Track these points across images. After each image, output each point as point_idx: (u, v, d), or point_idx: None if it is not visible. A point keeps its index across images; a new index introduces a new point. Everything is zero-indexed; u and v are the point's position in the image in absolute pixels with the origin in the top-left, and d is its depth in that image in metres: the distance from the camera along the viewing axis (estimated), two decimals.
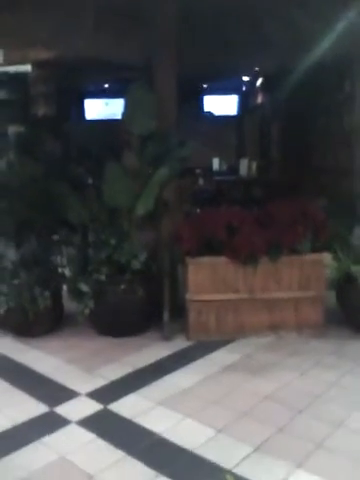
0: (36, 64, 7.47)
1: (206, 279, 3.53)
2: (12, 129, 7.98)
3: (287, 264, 3.53)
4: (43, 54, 6.47)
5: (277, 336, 3.60)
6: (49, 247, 3.87)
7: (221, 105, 10.33)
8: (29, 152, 3.81)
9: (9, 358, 3.42)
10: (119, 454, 2.28)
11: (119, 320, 3.70)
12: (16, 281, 3.70)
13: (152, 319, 3.79)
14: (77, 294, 3.63)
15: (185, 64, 4.10)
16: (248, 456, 2.23)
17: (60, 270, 3.88)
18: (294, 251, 3.54)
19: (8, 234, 3.80)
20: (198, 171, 7.94)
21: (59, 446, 2.37)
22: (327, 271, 3.59)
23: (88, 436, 2.45)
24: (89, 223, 3.80)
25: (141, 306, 3.73)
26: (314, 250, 3.57)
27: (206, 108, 10.13)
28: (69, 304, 3.89)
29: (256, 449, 2.28)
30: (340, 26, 4.33)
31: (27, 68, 7.81)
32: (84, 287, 3.56)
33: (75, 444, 2.39)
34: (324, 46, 4.55)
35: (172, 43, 3.96)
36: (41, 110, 7.58)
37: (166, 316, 3.71)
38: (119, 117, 10.28)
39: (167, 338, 3.64)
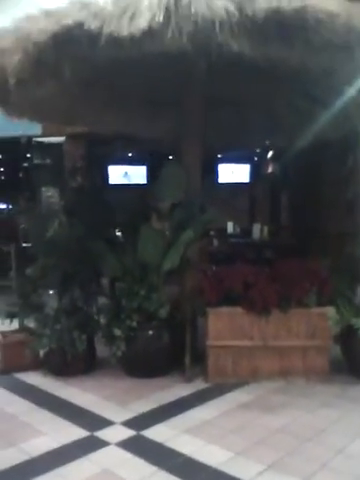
0: (70, 136, 8.40)
1: (224, 327, 4.03)
2: (46, 193, 8.86)
3: (296, 315, 4.03)
4: (78, 128, 7.38)
5: (287, 381, 4.03)
6: (87, 297, 4.43)
7: (234, 173, 11.20)
8: (74, 215, 4.47)
9: (51, 393, 3.89)
10: (153, 468, 2.72)
11: (147, 362, 4.18)
12: (57, 326, 4.25)
13: (175, 363, 4.25)
14: (111, 338, 4.14)
15: (207, 139, 4.86)
16: (263, 472, 2.65)
17: (95, 317, 4.42)
18: (302, 304, 4.05)
19: (53, 285, 4.38)
20: (212, 233, 8.60)
21: (102, 462, 2.81)
22: (331, 323, 4.06)
23: (126, 455, 2.89)
24: (122, 276, 4.38)
25: (166, 350, 4.22)
26: (319, 304, 4.09)
27: (221, 176, 11.00)
28: (100, 349, 4.41)
29: (269, 467, 2.70)
30: (339, 110, 5.05)
31: (61, 139, 8.77)
32: (117, 332, 4.08)
33: (115, 460, 2.83)
34: (326, 127, 5.24)
35: (198, 125, 4.69)
36: (76, 177, 8.42)
37: (187, 360, 4.17)
38: (138, 182, 11.13)
39: (188, 380, 4.09)
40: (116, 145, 9.29)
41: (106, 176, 10.34)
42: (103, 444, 3.02)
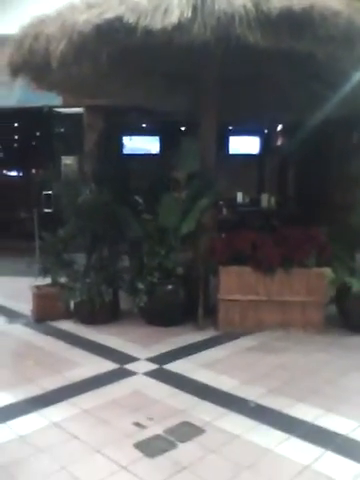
0: (89, 107, 8.82)
1: (234, 283, 4.62)
2: (65, 160, 9.36)
3: (297, 275, 4.59)
4: (97, 101, 7.79)
5: (287, 331, 4.62)
6: (113, 255, 5.01)
7: (245, 145, 11.61)
8: (102, 183, 5.00)
9: (83, 337, 4.52)
10: (175, 390, 3.35)
11: (165, 313, 4.79)
12: (87, 280, 4.85)
13: (190, 314, 4.85)
14: (134, 291, 4.75)
15: (221, 114, 5.32)
16: (263, 395, 3.27)
17: (120, 273, 5.01)
18: (302, 265, 4.61)
19: (83, 245, 4.96)
20: (221, 203, 9.11)
21: (131, 385, 3.44)
22: (327, 282, 4.62)
23: (151, 381, 3.52)
24: (144, 238, 4.95)
25: (182, 303, 4.83)
26: (318, 265, 4.64)
27: (232, 147, 11.41)
28: (123, 302, 5.03)
29: (269, 391, 3.32)
30: (345, 91, 5.46)
31: (80, 109, 9.20)
32: (140, 285, 4.68)
33: (142, 384, 3.46)
34: (332, 105, 5.66)
35: (214, 102, 5.15)
36: (91, 145, 8.87)
37: (200, 312, 4.78)
38: (151, 152, 11.49)
39: (201, 328, 4.70)
40: (131, 116, 9.70)
41: (121, 145, 10.81)
42: (131, 373, 3.65)
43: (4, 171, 14.74)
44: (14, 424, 2.88)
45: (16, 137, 13.25)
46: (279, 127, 9.77)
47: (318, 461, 2.50)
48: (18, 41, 4.13)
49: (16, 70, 4.46)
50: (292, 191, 8.73)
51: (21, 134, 12.86)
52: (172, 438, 2.70)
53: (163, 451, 2.57)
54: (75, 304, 4.95)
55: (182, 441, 2.67)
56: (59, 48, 3.53)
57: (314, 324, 4.66)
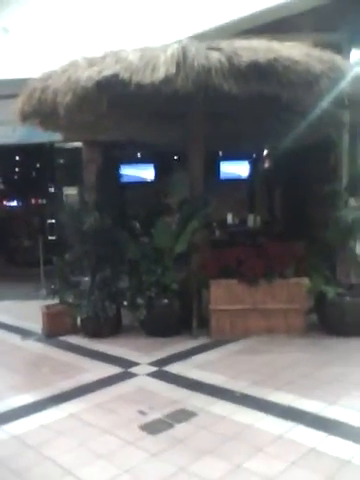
0: (87, 142, 9.53)
1: (223, 295, 5.19)
2: (67, 191, 10.02)
3: (278, 285, 5.18)
4: (95, 136, 8.48)
5: (271, 336, 5.17)
6: (115, 275, 5.59)
7: (235, 170, 12.32)
8: (103, 211, 5.62)
9: (90, 348, 5.06)
10: (172, 385, 3.90)
11: (162, 325, 5.35)
12: (92, 297, 5.43)
13: (185, 325, 5.40)
14: (134, 306, 5.32)
15: (209, 144, 5.97)
16: (248, 386, 3.81)
17: (122, 290, 5.58)
18: (283, 276, 5.20)
19: (88, 266, 5.56)
20: (214, 224, 9.75)
21: (135, 384, 4.00)
22: (305, 290, 5.20)
23: (152, 379, 4.07)
24: (142, 258, 5.54)
25: (177, 315, 5.39)
26: (297, 276, 5.23)
27: (223, 172, 12.11)
28: (124, 317, 5.59)
29: (253, 383, 3.87)
30: (318, 118, 6.11)
31: (79, 144, 9.91)
32: (140, 300, 5.25)
33: (145, 382, 4.01)
34: (306, 134, 6.32)
35: (199, 135, 5.82)
36: (90, 176, 9.55)
37: (194, 322, 5.34)
38: (146, 179, 12.13)
39: (195, 337, 5.24)
40: (127, 148, 10.41)
41: (118, 174, 11.50)
42: (134, 375, 4.21)
43: (7, 201, 15.40)
44: (37, 417, 3.43)
45: (19, 170, 13.98)
46: (265, 152, 10.47)
47: (290, 431, 3.06)
48: (28, 93, 4.81)
49: (25, 116, 5.14)
50: (278, 210, 9.37)
51: (24, 168, 13.57)
52: (170, 421, 3.25)
53: (163, 430, 3.12)
54: (82, 320, 5.52)
55: (178, 422, 3.22)
56: (66, 100, 4.19)
57: (296, 329, 5.22)
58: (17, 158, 13.27)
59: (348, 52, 6.79)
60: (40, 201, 15.40)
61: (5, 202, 15.68)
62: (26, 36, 8.33)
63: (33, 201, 15.67)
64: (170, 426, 3.17)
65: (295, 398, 3.56)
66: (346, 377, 3.99)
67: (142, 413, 3.38)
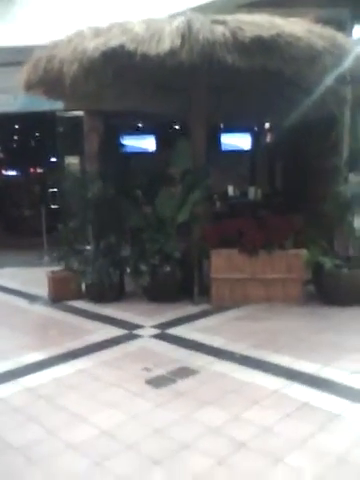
0: (89, 111, 9.55)
1: (223, 264, 5.39)
2: (68, 160, 10.09)
3: (277, 255, 5.36)
4: (98, 106, 8.52)
5: (270, 304, 5.39)
6: (118, 242, 5.77)
7: (237, 142, 12.38)
8: (106, 180, 5.76)
9: (95, 312, 5.28)
10: (175, 347, 4.12)
11: (165, 291, 5.56)
12: (96, 264, 5.61)
13: (186, 292, 5.61)
14: (138, 272, 5.51)
15: (212, 116, 6.05)
16: (246, 348, 4.04)
17: (125, 258, 5.77)
18: (282, 247, 5.39)
19: (91, 234, 5.73)
20: (215, 196, 9.88)
21: (138, 344, 4.22)
22: (303, 260, 5.39)
23: (154, 340, 4.31)
24: (145, 227, 5.71)
25: (179, 283, 5.59)
26: (295, 247, 5.41)
27: (224, 144, 12.16)
28: (128, 283, 5.79)
29: (251, 346, 4.08)
30: (321, 95, 6.19)
31: (81, 113, 9.92)
32: (143, 267, 5.44)
33: (148, 343, 4.24)
34: (308, 110, 6.39)
35: (202, 108, 5.90)
36: (92, 146, 9.61)
37: (195, 290, 5.55)
38: (147, 149, 12.25)
39: (196, 304, 5.46)
40: (129, 118, 10.44)
41: (119, 144, 11.55)
42: (138, 336, 4.43)
43: (7, 171, 15.46)
44: (48, 372, 3.66)
45: (19, 139, 13.98)
46: (267, 125, 10.51)
47: (286, 388, 3.28)
48: (34, 62, 4.87)
49: (30, 85, 5.21)
50: (279, 184, 9.50)
51: (24, 136, 13.56)
52: (173, 377, 3.48)
53: (166, 384, 3.35)
54: (86, 285, 5.73)
55: (181, 378, 3.45)
56: (72, 69, 4.27)
57: (294, 298, 5.43)
58: (17, 127, 13.25)
59: (350, 28, 6.82)
60: (40, 170, 15.46)
61: (5, 171, 15.74)
62: (30, 3, 8.27)
63: (32, 170, 15.72)
64: (173, 381, 3.40)
65: (292, 360, 3.78)
66: (340, 343, 4.21)
67: (146, 369, 3.61)
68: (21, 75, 5.11)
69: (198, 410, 2.99)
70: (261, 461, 2.47)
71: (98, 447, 2.62)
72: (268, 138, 10.95)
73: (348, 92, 6.19)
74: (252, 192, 8.92)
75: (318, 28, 4.29)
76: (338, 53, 4.29)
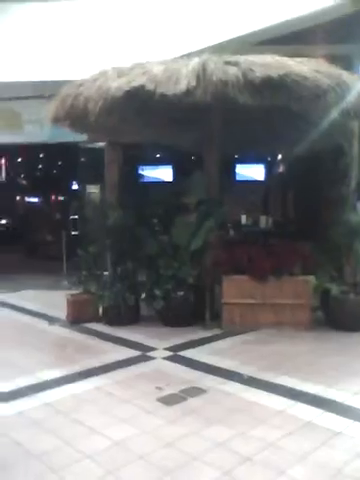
0: (111, 142, 9.99)
1: (234, 289, 5.59)
2: (89, 189, 10.52)
3: (286, 281, 5.55)
4: (119, 138, 8.95)
5: (279, 329, 5.55)
6: (135, 268, 6.03)
7: (251, 172, 12.72)
8: (126, 209, 6.07)
9: (111, 334, 5.50)
10: (186, 368, 4.31)
11: (178, 316, 5.77)
12: (114, 288, 5.87)
13: (199, 317, 5.81)
14: (152, 297, 5.75)
15: (226, 147, 6.36)
16: (256, 371, 4.20)
17: (140, 283, 6.01)
18: (291, 273, 5.58)
19: (111, 259, 6.01)
20: (229, 225, 10.14)
21: (151, 365, 4.42)
22: (311, 287, 5.57)
23: (167, 362, 4.50)
24: (160, 253, 5.96)
25: (192, 307, 5.80)
26: (304, 273, 5.60)
27: (239, 174, 12.51)
28: (143, 308, 6.02)
29: (260, 369, 4.25)
30: (328, 128, 6.46)
31: (102, 144, 10.39)
32: (157, 292, 5.68)
33: (161, 365, 4.44)
34: (316, 141, 6.67)
35: (215, 140, 6.23)
36: (113, 175, 10.02)
37: (208, 315, 5.75)
38: (164, 179, 12.71)
39: (208, 328, 5.65)
40: (147, 149, 10.87)
41: (140, 175, 11.99)
42: (151, 358, 4.64)
43: (30, 198, 16.02)
44: (65, 388, 3.88)
45: (43, 168, 14.57)
46: (279, 157, 10.83)
47: (291, 408, 3.45)
48: (61, 98, 5.27)
49: (58, 119, 5.61)
50: (291, 212, 9.74)
51: (47, 166, 14.13)
52: (184, 395, 3.67)
53: (177, 402, 3.55)
54: (103, 309, 5.97)
55: (191, 397, 3.64)
56: (97, 106, 4.64)
57: (302, 323, 5.59)
58: (41, 156, 13.84)
59: (358, 62, 7.17)
60: (60, 198, 15.98)
61: (28, 198, 16.30)
62: (57, 38, 8.82)
63: (54, 198, 16.27)
64: (184, 399, 3.59)
65: (298, 382, 3.94)
66: (346, 366, 4.36)
67: (159, 389, 3.80)
68: (49, 109, 5.52)
69: (207, 427, 3.17)
70: (265, 473, 2.64)
71: (111, 457, 2.81)
72: (280, 168, 11.24)
73: (355, 125, 6.47)
74: (263, 221, 9.19)
75: (325, 67, 4.60)
76: (343, 90, 4.57)
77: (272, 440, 2.98)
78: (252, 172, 12.49)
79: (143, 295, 5.98)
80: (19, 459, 2.82)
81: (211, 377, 4.09)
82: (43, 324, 6.03)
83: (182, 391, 3.75)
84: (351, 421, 3.23)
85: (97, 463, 2.76)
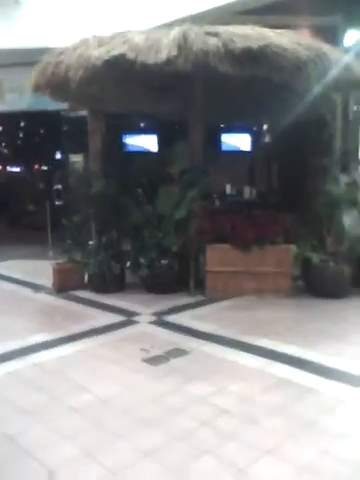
0: (93, 111, 9.91)
1: (218, 258, 5.74)
2: (73, 158, 10.45)
3: (268, 250, 5.71)
4: (101, 107, 8.89)
5: (261, 296, 5.74)
6: (119, 237, 6.13)
7: (236, 142, 12.70)
8: (109, 178, 6.12)
9: (97, 301, 5.65)
10: (170, 331, 4.49)
11: (162, 283, 5.92)
12: (99, 257, 5.98)
13: (183, 285, 5.96)
14: (137, 265, 5.88)
15: (210, 117, 6.39)
16: (235, 334, 4.39)
17: (125, 251, 6.13)
18: (273, 242, 5.74)
19: (95, 228, 6.09)
20: (215, 195, 10.24)
21: (137, 328, 4.60)
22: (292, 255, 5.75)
23: (152, 326, 4.67)
24: (145, 223, 6.06)
25: (176, 275, 5.95)
26: (286, 243, 5.77)
27: (224, 143, 12.48)
28: (128, 276, 6.16)
29: (239, 332, 4.43)
30: (311, 99, 6.53)
31: (84, 113, 10.29)
32: (142, 260, 5.81)
33: (146, 328, 4.61)
34: (300, 111, 6.74)
35: (199, 110, 6.25)
36: (96, 144, 9.97)
37: (191, 282, 5.91)
38: (149, 149, 12.60)
39: (192, 295, 5.82)
40: (131, 118, 10.78)
41: (124, 144, 11.91)
42: (136, 322, 4.80)
43: (12, 167, 15.83)
44: (53, 351, 4.03)
45: (24, 137, 14.36)
46: (265, 126, 10.86)
47: (268, 367, 3.65)
48: (42, 66, 5.24)
49: (38, 87, 5.57)
50: (275, 183, 9.87)
51: (29, 135, 13.93)
52: (167, 356, 3.85)
53: (161, 362, 3.73)
54: (89, 276, 6.09)
55: (174, 357, 3.83)
56: (77, 75, 4.64)
57: (283, 290, 5.78)
58: (22, 124, 13.63)
59: (342, 34, 7.18)
60: (43, 167, 15.81)
61: (10, 167, 16.10)
62: (36, 6, 8.62)
63: (37, 167, 16.10)
64: (167, 360, 3.78)
65: (276, 344, 4.14)
66: (323, 330, 4.56)
67: (143, 350, 3.98)
68: (30, 77, 5.48)
69: (188, 383, 3.36)
70: (241, 424, 2.84)
71: (97, 411, 2.99)
72: (266, 138, 11.28)
73: (338, 97, 6.54)
74: (247, 191, 9.30)
75: (305, 39, 4.64)
76: (323, 62, 4.64)
77: (249, 395, 3.18)
78: (238, 141, 12.46)
79: (128, 263, 6.12)
80: (12, 414, 2.98)
81: (193, 339, 4.27)
82: (28, 292, 6.15)
83: (166, 352, 3.93)
84: (323, 379, 3.44)
85: (84, 416, 2.93)
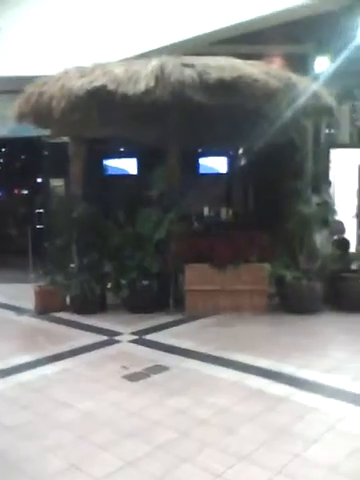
0: (74, 137, 10.14)
1: (196, 277, 5.95)
2: (54, 182, 10.61)
3: (244, 269, 5.95)
4: (82, 133, 9.12)
5: (238, 313, 5.94)
6: (101, 259, 6.29)
7: (214, 165, 13.08)
8: (90, 201, 6.31)
9: (79, 322, 5.75)
10: (150, 349, 4.64)
11: (143, 303, 6.07)
12: (80, 278, 6.12)
13: (163, 304, 6.13)
14: (118, 286, 6.03)
15: (188, 141, 6.66)
16: (214, 350, 4.56)
17: (106, 273, 6.28)
18: (248, 261, 5.98)
19: (77, 250, 6.24)
20: (193, 216, 10.51)
21: (118, 348, 4.73)
22: (267, 273, 5.98)
23: (133, 345, 4.81)
24: (125, 244, 6.25)
25: (156, 295, 6.11)
26: (260, 261, 6.01)
27: (202, 166, 12.84)
28: (109, 297, 6.29)
29: (217, 348, 4.61)
30: (282, 124, 6.87)
31: (66, 139, 10.51)
32: (123, 281, 5.97)
33: (127, 347, 4.75)
34: (272, 135, 7.08)
35: (176, 136, 6.55)
36: (77, 169, 10.17)
37: (171, 301, 6.09)
38: (128, 172, 12.82)
39: (171, 313, 5.98)
40: (112, 143, 11.05)
41: (102, 167, 12.14)
42: (117, 342, 4.94)
43: None
44: (36, 371, 4.13)
45: (5, 162, 14.48)
46: (241, 150, 11.23)
47: (244, 379, 3.83)
48: (26, 96, 5.46)
49: (22, 116, 5.78)
50: (251, 204, 10.22)
51: (10, 160, 14.06)
52: (147, 372, 4.00)
53: (141, 379, 3.87)
54: (70, 298, 6.21)
55: (154, 373, 3.97)
56: (60, 104, 4.87)
57: (260, 307, 6.00)
58: (3, 150, 13.78)
59: (312, 61, 7.62)
60: (24, 192, 15.86)
61: None
62: (19, 36, 8.89)
63: (16, 192, 16.14)
64: (147, 376, 3.92)
65: (252, 358, 4.32)
66: (295, 344, 4.78)
67: (124, 368, 4.11)
68: (12, 105, 5.70)
69: (167, 398, 3.51)
70: (218, 432, 3.00)
71: (81, 425, 3.11)
72: (242, 161, 11.65)
73: (308, 123, 6.91)
74: (224, 213, 9.62)
75: (275, 69, 4.98)
76: (291, 91, 4.97)
77: (226, 406, 3.35)
78: (215, 164, 12.85)
79: (109, 285, 6.27)
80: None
81: (173, 356, 4.43)
82: (11, 314, 6.22)
83: (146, 369, 4.07)
84: (296, 389, 3.63)
85: (70, 430, 3.05)
